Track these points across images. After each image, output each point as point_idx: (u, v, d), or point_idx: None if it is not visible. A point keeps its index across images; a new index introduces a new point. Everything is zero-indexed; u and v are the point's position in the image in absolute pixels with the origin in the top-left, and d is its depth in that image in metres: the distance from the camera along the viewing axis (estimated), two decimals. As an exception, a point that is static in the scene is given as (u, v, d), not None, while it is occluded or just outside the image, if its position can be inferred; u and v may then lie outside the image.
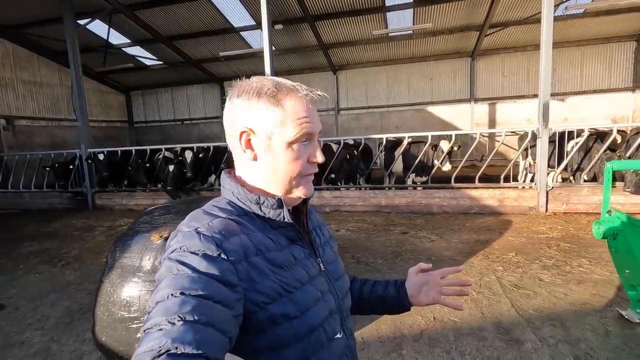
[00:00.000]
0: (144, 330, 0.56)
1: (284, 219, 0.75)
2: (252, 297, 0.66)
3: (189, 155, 7.08)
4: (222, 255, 0.64)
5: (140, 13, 9.64)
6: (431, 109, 12.35)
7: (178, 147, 7.69)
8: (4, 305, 3.58)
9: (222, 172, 0.83)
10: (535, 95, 10.96)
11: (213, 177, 7.47)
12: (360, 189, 6.94)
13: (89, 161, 7.79)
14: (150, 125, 15.48)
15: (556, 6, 8.78)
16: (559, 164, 6.01)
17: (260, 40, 10.81)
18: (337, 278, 0.86)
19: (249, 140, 0.75)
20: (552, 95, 11.29)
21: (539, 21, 7.56)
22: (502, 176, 6.02)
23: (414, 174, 6.75)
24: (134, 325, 2.12)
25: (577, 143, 5.79)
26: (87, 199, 8.22)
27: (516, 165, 7.40)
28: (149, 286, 2.15)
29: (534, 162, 6.08)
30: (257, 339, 0.69)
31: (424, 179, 6.58)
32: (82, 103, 8.19)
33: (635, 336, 2.52)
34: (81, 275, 4.29)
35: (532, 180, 5.93)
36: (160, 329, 0.54)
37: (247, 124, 0.74)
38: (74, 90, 8.22)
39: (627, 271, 2.80)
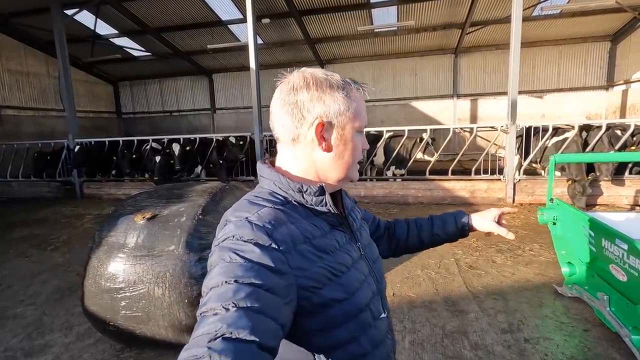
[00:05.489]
0: (200, 314, 0.59)
1: (326, 205, 0.77)
2: (303, 284, 0.68)
3: (176, 147, 7.28)
4: (273, 245, 0.66)
5: (128, 4, 9.68)
6: (415, 104, 12.67)
7: (165, 138, 7.86)
8: (-3, 285, 3.81)
9: (258, 162, 0.84)
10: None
11: (199, 167, 7.69)
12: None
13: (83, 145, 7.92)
14: (139, 116, 15.51)
15: (533, 6, 9.13)
16: (527, 159, 6.38)
17: (248, 33, 10.95)
18: (375, 260, 0.90)
19: (323, 131, 0.77)
20: (530, 92, 11.76)
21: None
22: (473, 169, 6.38)
23: (393, 167, 7.08)
24: (119, 295, 2.39)
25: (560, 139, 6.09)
26: (75, 188, 8.37)
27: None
28: (132, 260, 2.41)
29: (504, 156, 6.44)
30: (309, 321, 0.71)
31: (403, 171, 6.90)
32: (69, 93, 8.29)
33: (563, 307, 2.88)
34: (70, 258, 4.52)
35: (500, 172, 6.29)
36: (216, 314, 0.57)
37: (322, 116, 0.76)
38: (61, 80, 8.31)
39: (563, 252, 3.17)
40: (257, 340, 0.55)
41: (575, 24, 10.24)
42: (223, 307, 0.57)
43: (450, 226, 1.15)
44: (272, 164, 0.84)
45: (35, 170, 8.36)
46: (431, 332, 2.63)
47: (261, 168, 0.82)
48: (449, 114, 12.42)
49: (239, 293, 0.58)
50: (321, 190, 0.77)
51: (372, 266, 0.87)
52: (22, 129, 11.14)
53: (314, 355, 0.73)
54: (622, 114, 10.45)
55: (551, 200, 3.28)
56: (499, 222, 1.13)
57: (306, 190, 0.76)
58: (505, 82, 11.88)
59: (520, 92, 11.71)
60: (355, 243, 0.84)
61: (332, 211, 0.78)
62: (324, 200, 0.77)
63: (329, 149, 0.77)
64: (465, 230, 1.15)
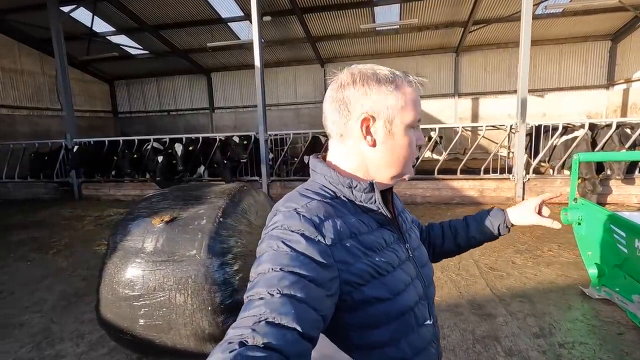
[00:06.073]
0: (247, 297, 0.62)
1: (375, 202, 0.77)
2: (347, 278, 0.68)
3: (178, 147, 7.11)
4: (319, 237, 0.67)
5: (126, 1, 9.49)
6: (416, 103, 12.60)
7: (167, 137, 7.69)
8: (-1, 291, 3.64)
9: (311, 157, 0.85)
10: (516, 91, 11.41)
11: (202, 167, 7.54)
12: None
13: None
14: (135, 115, 15.25)
15: (536, 5, 9.11)
16: (537, 157, 6.33)
17: (248, 31, 10.80)
18: (423, 265, 0.87)
19: (369, 126, 0.76)
20: (531, 91, 11.74)
21: (520, 19, 7.86)
22: (482, 168, 6.32)
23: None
24: (138, 303, 2.26)
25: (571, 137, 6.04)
26: (74, 189, 8.17)
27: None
28: (152, 266, 2.29)
29: (513, 155, 6.39)
30: (350, 316, 0.71)
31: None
32: (67, 92, 8.09)
33: (593, 310, 2.81)
34: (74, 262, 4.36)
35: (509, 171, 6.24)
36: (261, 298, 0.59)
37: (368, 110, 0.75)
38: (58, 79, 8.10)
39: (589, 253, 3.10)
40: (299, 328, 0.56)
41: (576, 23, 10.25)
42: (268, 292, 0.59)
43: (486, 226, 1.09)
44: (324, 159, 0.85)
45: (32, 170, 8.13)
46: (461, 338, 2.54)
47: (314, 163, 0.83)
48: (450, 112, 12.39)
49: (283, 281, 0.60)
50: (371, 187, 0.76)
51: (421, 270, 0.84)
52: (16, 129, 10.88)
53: (352, 353, 0.73)
54: (623, 113, 10.49)
55: (575, 200, 3.21)
56: (540, 212, 1.06)
57: (355, 187, 0.76)
58: (506, 81, 11.97)
59: (521, 91, 11.74)
60: (403, 244, 0.82)
61: (381, 209, 0.77)
62: (373, 198, 0.77)
63: (374, 143, 0.77)
64: (503, 229, 1.09)
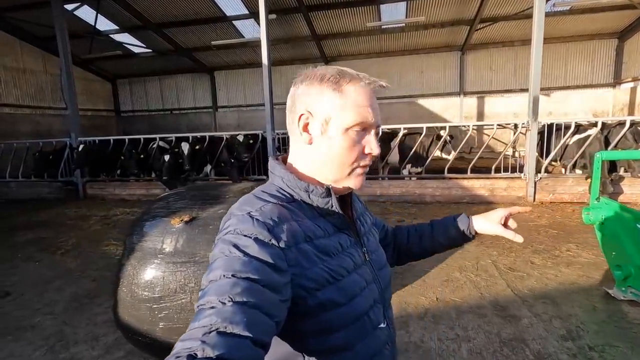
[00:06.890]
0: (197, 306, 0.59)
1: (331, 207, 0.76)
2: (301, 283, 0.67)
3: (185, 146, 7.04)
4: (273, 241, 0.65)
5: (130, -1, 9.42)
6: (421, 101, 12.54)
7: (173, 136, 7.62)
8: (9, 292, 3.57)
9: (270, 158, 0.83)
10: (522, 90, 11.35)
11: (209, 167, 7.47)
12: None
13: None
14: (138, 114, 15.17)
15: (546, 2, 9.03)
16: (549, 156, 6.27)
17: (252, 29, 10.73)
18: (381, 268, 0.87)
19: (307, 124, 0.76)
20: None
21: (527, 17, 7.80)
22: (492, 167, 6.25)
23: (409, 165, 6.93)
24: (158, 306, 2.19)
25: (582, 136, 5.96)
26: (78, 188, 8.10)
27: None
28: (172, 267, 2.22)
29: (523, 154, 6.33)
30: (305, 323, 0.70)
31: (419, 169, 6.76)
32: (72, 91, 8.01)
33: (619, 311, 2.75)
34: (82, 263, 4.29)
35: (520, 170, 6.17)
36: (212, 307, 0.57)
37: (307, 107, 0.75)
38: (63, 78, 8.02)
39: (613, 253, 3.03)
40: (251, 335, 0.55)
41: (583, 21, 10.18)
42: (220, 301, 0.57)
43: (451, 231, 1.08)
44: (284, 160, 0.84)
45: (37, 170, 8.05)
46: (487, 340, 2.48)
47: (272, 164, 0.82)
48: (455, 111, 12.33)
49: (235, 287, 0.58)
50: (327, 193, 0.75)
51: (377, 273, 0.84)
52: (18, 128, 10.79)
53: (304, 357, 0.72)
54: (630, 112, 10.42)
55: (597, 199, 3.14)
56: (505, 224, 1.03)
57: (312, 191, 0.75)
58: (512, 80, 11.91)
59: (527, 90, 11.69)
60: (360, 248, 0.82)
61: (337, 209, 0.76)
62: (330, 202, 0.76)
63: (310, 141, 0.76)
64: (467, 235, 1.06)
